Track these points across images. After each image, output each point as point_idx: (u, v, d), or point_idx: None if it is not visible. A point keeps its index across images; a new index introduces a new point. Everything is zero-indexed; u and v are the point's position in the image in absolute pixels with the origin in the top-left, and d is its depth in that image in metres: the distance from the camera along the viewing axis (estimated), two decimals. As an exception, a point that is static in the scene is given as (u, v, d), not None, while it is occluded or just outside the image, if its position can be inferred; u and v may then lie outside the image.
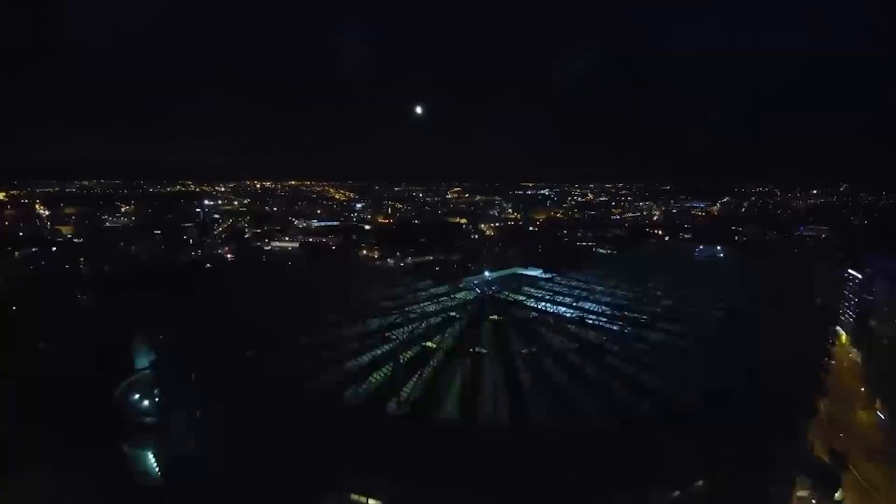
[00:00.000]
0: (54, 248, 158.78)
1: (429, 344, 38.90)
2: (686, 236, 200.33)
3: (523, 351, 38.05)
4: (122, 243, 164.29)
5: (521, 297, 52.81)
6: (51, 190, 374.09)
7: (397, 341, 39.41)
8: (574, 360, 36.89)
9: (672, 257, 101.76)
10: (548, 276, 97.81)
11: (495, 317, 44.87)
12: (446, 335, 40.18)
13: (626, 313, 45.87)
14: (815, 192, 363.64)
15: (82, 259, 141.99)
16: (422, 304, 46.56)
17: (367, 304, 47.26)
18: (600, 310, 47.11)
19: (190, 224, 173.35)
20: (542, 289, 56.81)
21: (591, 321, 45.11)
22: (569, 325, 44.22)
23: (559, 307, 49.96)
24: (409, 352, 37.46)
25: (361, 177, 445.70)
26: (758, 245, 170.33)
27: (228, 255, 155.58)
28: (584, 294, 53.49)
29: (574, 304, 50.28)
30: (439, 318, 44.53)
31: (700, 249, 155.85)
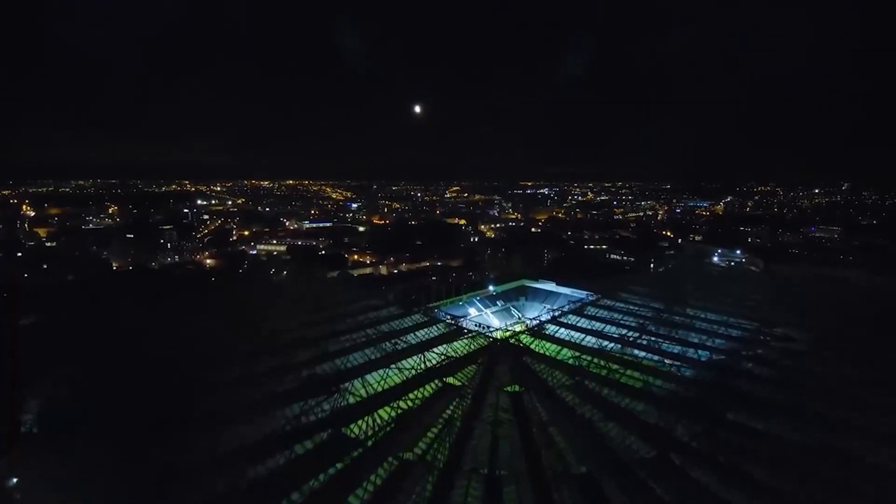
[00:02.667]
0: (20, 254, 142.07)
1: (406, 456, 21.75)
2: (697, 238, 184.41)
3: (571, 471, 21.16)
4: (94, 247, 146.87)
5: (546, 342, 35.31)
6: (43, 190, 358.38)
7: (356, 454, 22.03)
8: (666, 491, 20.07)
9: (709, 267, 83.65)
10: (565, 291, 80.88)
11: (515, 387, 27.58)
12: (440, 437, 23.05)
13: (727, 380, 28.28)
14: (816, 191, 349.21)
15: (45, 266, 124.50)
16: (401, 364, 28.98)
17: (317, 367, 29.70)
18: (678, 369, 29.47)
19: (168, 227, 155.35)
20: (570, 324, 39.18)
21: (666, 391, 27.64)
22: (631, 402, 26.94)
23: (604, 359, 32.38)
24: (374, 474, 20.42)
25: (361, 176, 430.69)
26: (777, 247, 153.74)
27: (208, 261, 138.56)
28: (633, 331, 35.86)
29: (627, 352, 32.82)
30: (429, 391, 27.21)
31: (720, 252, 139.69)
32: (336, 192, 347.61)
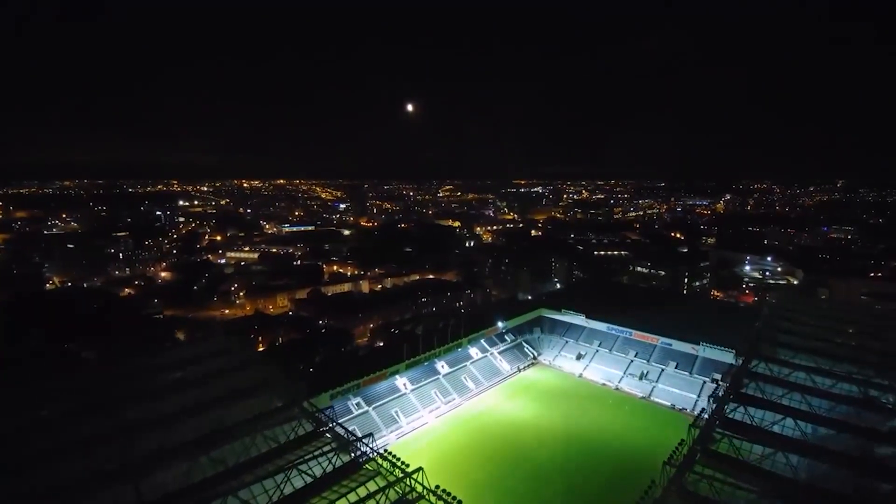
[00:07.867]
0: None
1: None
2: (709, 240, 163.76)
3: None
4: (37, 259, 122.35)
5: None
6: (26, 191, 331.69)
7: None
8: None
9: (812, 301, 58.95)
10: (598, 326, 58.42)
11: None
12: None
13: None
14: (812, 189, 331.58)
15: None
16: None
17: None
18: None
19: (123, 233, 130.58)
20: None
21: None
22: None
23: None
24: None
25: (354, 175, 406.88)
26: (802, 252, 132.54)
27: (163, 273, 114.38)
28: None
29: None
30: None
31: (749, 260, 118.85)
32: (325, 191, 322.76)
